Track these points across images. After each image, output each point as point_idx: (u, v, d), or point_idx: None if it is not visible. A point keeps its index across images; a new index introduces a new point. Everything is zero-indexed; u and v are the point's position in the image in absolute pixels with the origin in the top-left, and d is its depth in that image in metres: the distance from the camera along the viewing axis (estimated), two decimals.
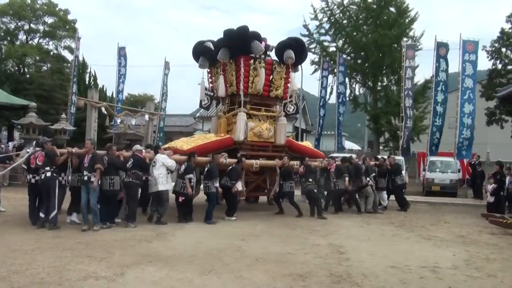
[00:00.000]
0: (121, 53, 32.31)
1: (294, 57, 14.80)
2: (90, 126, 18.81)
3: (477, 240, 10.85)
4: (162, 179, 11.57)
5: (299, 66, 16.62)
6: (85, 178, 10.55)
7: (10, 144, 12.38)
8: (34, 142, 12.10)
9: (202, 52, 15.30)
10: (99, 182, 10.60)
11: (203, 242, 9.48)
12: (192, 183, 12.16)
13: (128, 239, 9.54)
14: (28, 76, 40.58)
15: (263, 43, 14.71)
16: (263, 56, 14.88)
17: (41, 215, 10.66)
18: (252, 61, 14.51)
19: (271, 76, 14.99)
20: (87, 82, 36.63)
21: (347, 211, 15.45)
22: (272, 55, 15.49)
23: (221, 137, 14.47)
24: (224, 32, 14.51)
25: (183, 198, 12.03)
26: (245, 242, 9.63)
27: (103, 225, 10.59)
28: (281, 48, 15.05)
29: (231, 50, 14.40)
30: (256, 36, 14.38)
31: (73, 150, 11.25)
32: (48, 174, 10.53)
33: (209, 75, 16.11)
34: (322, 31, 35.92)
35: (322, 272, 7.28)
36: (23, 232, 9.92)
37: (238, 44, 14.17)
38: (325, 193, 15.59)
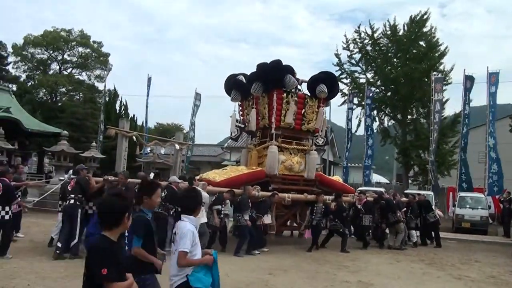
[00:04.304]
0: (148, 84, 33.02)
1: (327, 92, 14.85)
2: (120, 155, 18.98)
3: (508, 282, 10.59)
4: None
5: (337, 104, 16.65)
6: None
7: (66, 176, 12.58)
8: (71, 170, 12.23)
9: (234, 86, 15.44)
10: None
11: (230, 275, 9.42)
12: (221, 215, 12.15)
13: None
14: (60, 104, 41.45)
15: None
16: (294, 90, 14.95)
17: (58, 244, 10.40)
18: (284, 94, 14.57)
19: (303, 110, 15.03)
20: (118, 112, 37.25)
21: (374, 247, 15.22)
22: (302, 88, 15.57)
23: (253, 170, 14.46)
24: (258, 66, 14.64)
25: (210, 230, 12.01)
26: (272, 276, 9.55)
27: None
28: (314, 82, 15.11)
29: (264, 84, 14.47)
30: (290, 70, 14.48)
31: (109, 178, 11.28)
32: (72, 201, 10.59)
33: (240, 108, 16.20)
34: (353, 61, 36.06)
35: None
36: (53, 259, 9.98)
37: (272, 77, 14.28)
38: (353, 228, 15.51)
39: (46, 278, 8.26)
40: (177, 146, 21.77)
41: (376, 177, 50.02)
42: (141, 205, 4.84)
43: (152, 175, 14.02)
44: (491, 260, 13.88)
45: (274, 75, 14.25)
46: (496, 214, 23.72)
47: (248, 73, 15.35)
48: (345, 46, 35.81)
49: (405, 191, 21.20)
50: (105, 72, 41.62)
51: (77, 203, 10.63)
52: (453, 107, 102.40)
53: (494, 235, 21.16)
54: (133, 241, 4.59)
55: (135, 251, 4.55)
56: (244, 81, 15.21)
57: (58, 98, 43.97)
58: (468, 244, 17.72)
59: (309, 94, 15.32)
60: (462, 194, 23.32)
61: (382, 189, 23.18)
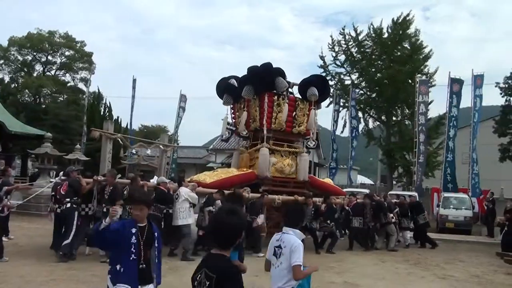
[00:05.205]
0: (133, 85, 32.89)
1: (317, 94, 14.92)
2: (104, 157, 18.86)
3: (492, 281, 10.74)
4: (183, 213, 11.42)
5: (322, 103, 16.68)
6: (105, 210, 10.53)
7: (57, 178, 12.62)
8: (62, 172, 12.18)
9: (226, 89, 15.48)
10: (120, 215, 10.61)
11: None
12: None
13: None
14: (43, 106, 41.14)
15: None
16: (285, 93, 14.99)
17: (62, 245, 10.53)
18: (275, 97, 14.65)
19: (294, 113, 15.10)
20: (102, 113, 37.01)
21: (361, 248, 15.23)
22: (293, 91, 15.65)
23: (244, 172, 14.53)
24: (249, 69, 14.72)
25: (204, 232, 11.94)
26: (258, 278, 9.52)
27: None
28: (305, 85, 15.20)
29: (255, 87, 14.53)
30: (280, 73, 14.57)
31: (99, 178, 11.26)
32: (68, 205, 10.56)
33: (232, 111, 16.26)
34: (338, 63, 36.20)
35: None
36: (37, 263, 9.88)
37: (262, 80, 14.34)
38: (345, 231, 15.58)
39: (30, 282, 8.21)
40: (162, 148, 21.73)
41: (360, 178, 50.17)
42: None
43: (156, 178, 13.98)
44: (475, 259, 14.03)
45: (264, 78, 14.31)
46: (480, 214, 23.97)
47: (238, 76, 15.44)
48: (330, 47, 36.01)
49: (390, 192, 21.32)
50: (89, 73, 41.50)
51: (74, 206, 10.63)
52: (436, 109, 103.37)
53: (478, 235, 21.34)
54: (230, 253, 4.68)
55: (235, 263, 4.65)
56: (236, 84, 15.25)
57: (42, 100, 43.60)
58: (452, 244, 17.86)
59: (300, 97, 15.39)
60: (446, 194, 23.52)
61: (366, 190, 23.30)
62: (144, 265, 4.56)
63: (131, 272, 4.47)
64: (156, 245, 4.71)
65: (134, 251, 4.51)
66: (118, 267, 4.49)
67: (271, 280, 4.64)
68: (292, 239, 4.50)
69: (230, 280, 3.21)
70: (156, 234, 4.73)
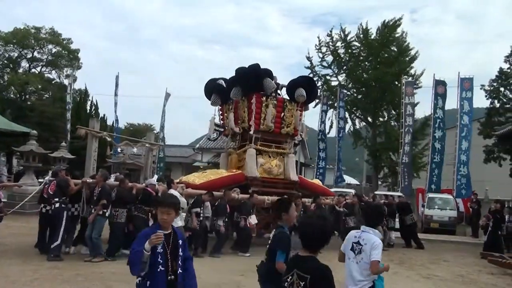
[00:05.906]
0: (116, 82, 32.79)
1: (305, 95, 14.97)
2: (90, 155, 18.78)
3: (476, 280, 10.84)
4: None
5: (309, 105, 16.74)
6: (93, 211, 10.52)
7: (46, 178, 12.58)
8: (51, 172, 12.12)
9: (214, 90, 15.48)
10: (107, 215, 10.57)
11: (202, 276, 9.34)
12: (200, 217, 12.06)
13: (127, 272, 9.42)
14: (29, 103, 40.77)
15: (274, 81, 14.88)
16: (273, 94, 15.01)
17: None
18: (263, 98, 14.65)
19: (282, 114, 15.15)
20: (88, 111, 36.77)
21: None
22: (282, 93, 15.69)
23: (233, 173, 14.52)
24: (236, 70, 14.76)
25: (190, 233, 11.90)
26: (244, 277, 9.54)
27: (107, 258, 10.40)
28: (293, 86, 15.25)
29: (243, 88, 14.55)
30: (268, 74, 14.62)
31: (87, 180, 11.24)
32: (57, 204, 10.50)
33: (221, 112, 16.25)
34: (325, 64, 36.27)
35: None
36: (22, 262, 9.78)
37: (250, 81, 14.36)
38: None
39: (15, 282, 8.14)
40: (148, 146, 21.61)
41: (346, 179, 50.22)
42: (279, 221, 5.18)
43: (155, 177, 13.92)
44: (459, 259, 14.15)
45: (252, 79, 14.33)
46: (465, 214, 24.19)
47: (224, 76, 15.51)
48: (317, 48, 36.06)
49: (376, 192, 21.42)
50: (73, 68, 41.12)
51: (63, 205, 10.57)
52: (423, 110, 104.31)
53: (462, 235, 21.53)
54: (278, 255, 4.79)
55: (279, 265, 4.70)
56: (224, 85, 15.25)
57: (27, 97, 43.19)
58: (437, 244, 17.98)
59: (288, 98, 15.43)
60: (431, 195, 23.71)
61: (352, 191, 23.41)
62: (172, 277, 4.20)
63: (160, 285, 4.14)
64: (181, 253, 4.33)
65: (161, 261, 4.16)
66: (146, 282, 4.20)
67: (346, 272, 5.10)
68: (372, 237, 4.95)
69: (324, 280, 3.45)
70: (181, 241, 4.37)
